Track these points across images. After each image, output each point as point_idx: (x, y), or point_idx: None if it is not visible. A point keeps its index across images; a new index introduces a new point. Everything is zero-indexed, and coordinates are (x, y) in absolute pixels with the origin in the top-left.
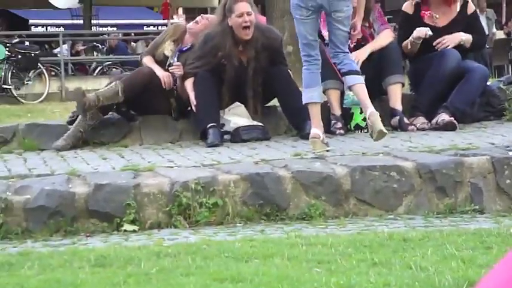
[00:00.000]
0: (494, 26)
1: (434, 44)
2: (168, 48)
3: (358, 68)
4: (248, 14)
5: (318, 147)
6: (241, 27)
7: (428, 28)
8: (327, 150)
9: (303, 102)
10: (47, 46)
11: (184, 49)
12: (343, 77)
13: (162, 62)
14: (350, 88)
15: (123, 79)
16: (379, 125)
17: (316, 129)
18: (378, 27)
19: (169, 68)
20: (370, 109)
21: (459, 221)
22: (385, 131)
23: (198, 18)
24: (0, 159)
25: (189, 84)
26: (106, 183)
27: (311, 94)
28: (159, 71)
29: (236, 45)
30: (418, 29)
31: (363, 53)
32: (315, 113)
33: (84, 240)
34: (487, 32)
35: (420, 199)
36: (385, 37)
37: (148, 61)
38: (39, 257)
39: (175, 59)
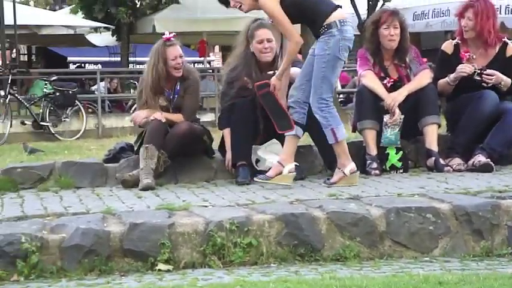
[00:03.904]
0: None
1: (485, 73)
2: (162, 101)
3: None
4: (268, 40)
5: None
6: (261, 52)
7: (472, 66)
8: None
9: (340, 139)
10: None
11: (178, 89)
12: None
13: (165, 107)
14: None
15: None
16: None
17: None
18: (416, 67)
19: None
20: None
21: (496, 264)
22: None
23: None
24: (36, 197)
25: (226, 133)
26: (141, 222)
27: (343, 130)
28: None
29: (261, 72)
30: (461, 66)
31: (400, 96)
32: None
33: (118, 279)
34: None
35: (456, 241)
36: (423, 78)
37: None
38: None
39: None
